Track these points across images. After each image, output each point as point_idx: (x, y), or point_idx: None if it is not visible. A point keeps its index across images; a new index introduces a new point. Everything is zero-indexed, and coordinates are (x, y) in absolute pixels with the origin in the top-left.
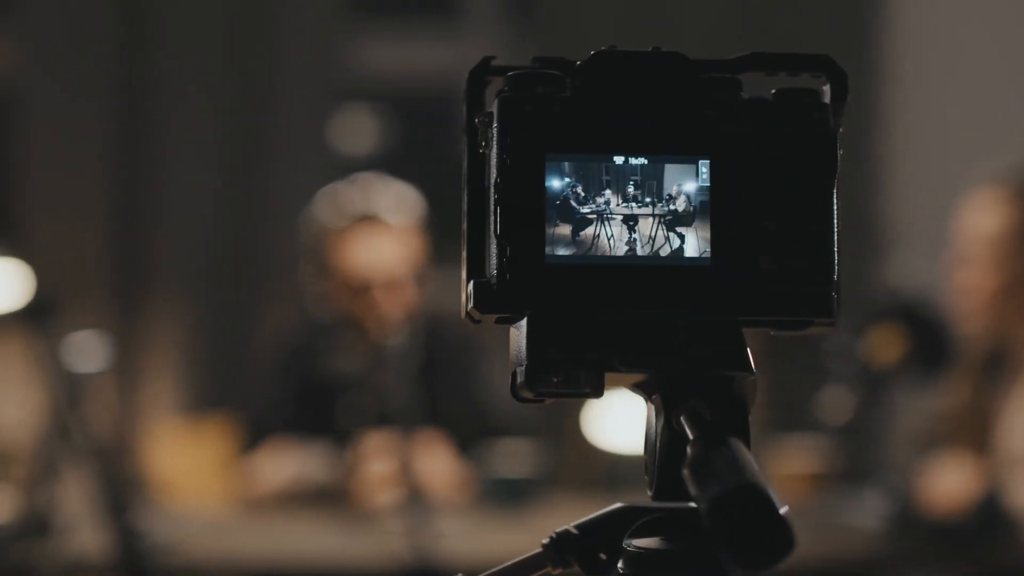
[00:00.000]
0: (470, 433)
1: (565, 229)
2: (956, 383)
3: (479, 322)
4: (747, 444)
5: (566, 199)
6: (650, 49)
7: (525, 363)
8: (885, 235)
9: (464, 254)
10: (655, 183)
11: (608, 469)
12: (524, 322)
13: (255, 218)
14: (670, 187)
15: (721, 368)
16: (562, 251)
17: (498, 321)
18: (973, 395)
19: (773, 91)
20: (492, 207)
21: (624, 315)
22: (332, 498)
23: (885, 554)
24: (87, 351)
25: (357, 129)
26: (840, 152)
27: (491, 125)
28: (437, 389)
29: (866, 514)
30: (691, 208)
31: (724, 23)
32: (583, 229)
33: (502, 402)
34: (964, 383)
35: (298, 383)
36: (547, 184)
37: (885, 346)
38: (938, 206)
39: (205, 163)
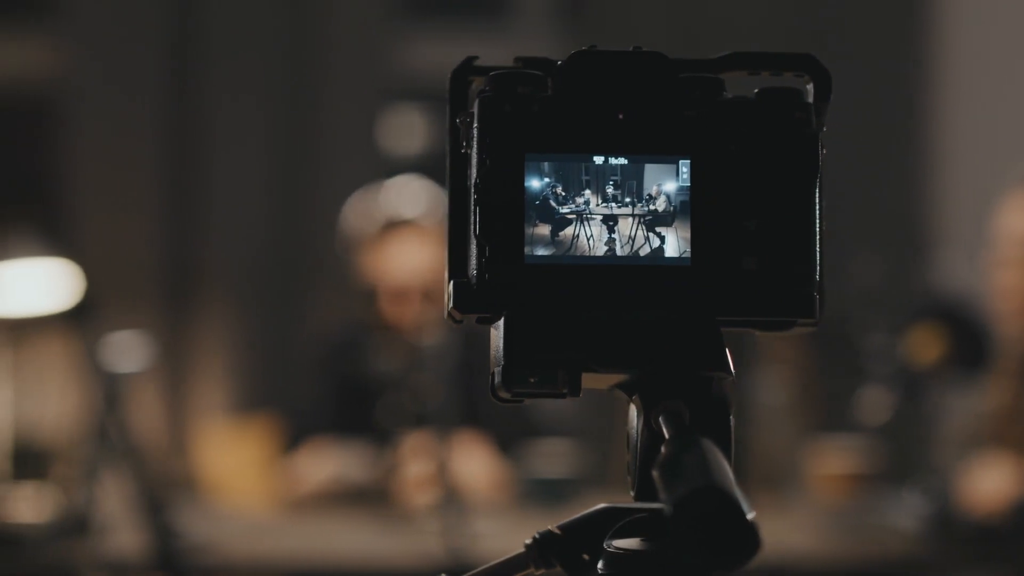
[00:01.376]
0: (510, 433)
1: (544, 229)
2: (996, 383)
3: (460, 322)
4: (728, 445)
5: (545, 199)
6: (631, 49)
7: (502, 363)
8: (926, 235)
9: (447, 254)
10: (635, 183)
11: None
12: (501, 322)
13: (303, 218)
14: (650, 187)
15: (700, 369)
16: (541, 251)
17: (478, 321)
18: (1013, 396)
19: (756, 91)
20: (472, 207)
21: (603, 315)
22: (371, 498)
23: (924, 555)
24: (127, 351)
25: (406, 128)
26: (823, 152)
27: (472, 125)
28: (475, 390)
29: (905, 515)
30: (671, 208)
31: (773, 19)
32: (562, 229)
33: (543, 402)
34: (1004, 384)
35: (338, 382)
36: (526, 184)
37: (925, 346)
38: (980, 206)
39: (254, 162)
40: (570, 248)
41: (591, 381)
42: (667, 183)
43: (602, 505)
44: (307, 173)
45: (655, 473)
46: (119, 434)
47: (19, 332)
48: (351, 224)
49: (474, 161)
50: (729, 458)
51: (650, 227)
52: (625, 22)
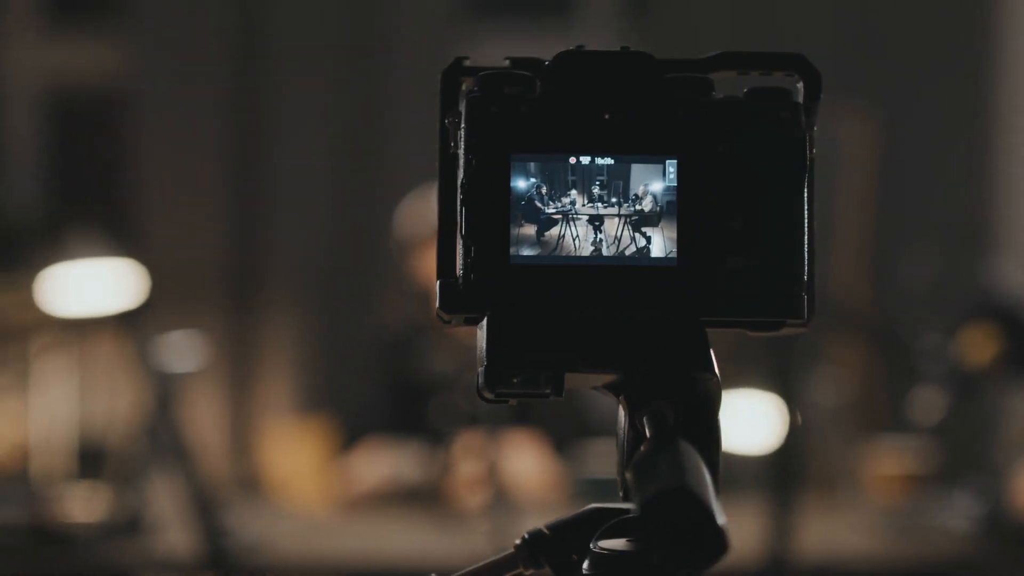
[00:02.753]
0: (564, 433)
1: (530, 229)
2: None
3: (449, 322)
4: (713, 445)
5: (531, 199)
6: (619, 49)
7: (484, 363)
8: (982, 235)
9: (437, 254)
10: (621, 183)
11: (729, 468)
12: (484, 322)
13: (367, 218)
14: (636, 187)
15: (683, 369)
16: (527, 251)
17: (466, 321)
18: None
19: (745, 90)
20: (459, 207)
21: (587, 315)
22: (425, 498)
23: (976, 556)
24: (182, 351)
25: None
26: (813, 151)
27: (460, 125)
28: None
29: (957, 515)
30: (658, 208)
31: (839, 17)
32: (548, 229)
33: (598, 402)
34: None
35: (394, 382)
36: (512, 184)
37: (979, 346)
38: None
39: (319, 162)
40: (556, 248)
41: (578, 381)
42: (654, 183)
43: (592, 505)
44: (371, 173)
45: (628, 473)
46: (171, 434)
47: (83, 331)
48: (404, 225)
49: (461, 162)
50: (714, 459)
51: (636, 227)
52: (690, 20)
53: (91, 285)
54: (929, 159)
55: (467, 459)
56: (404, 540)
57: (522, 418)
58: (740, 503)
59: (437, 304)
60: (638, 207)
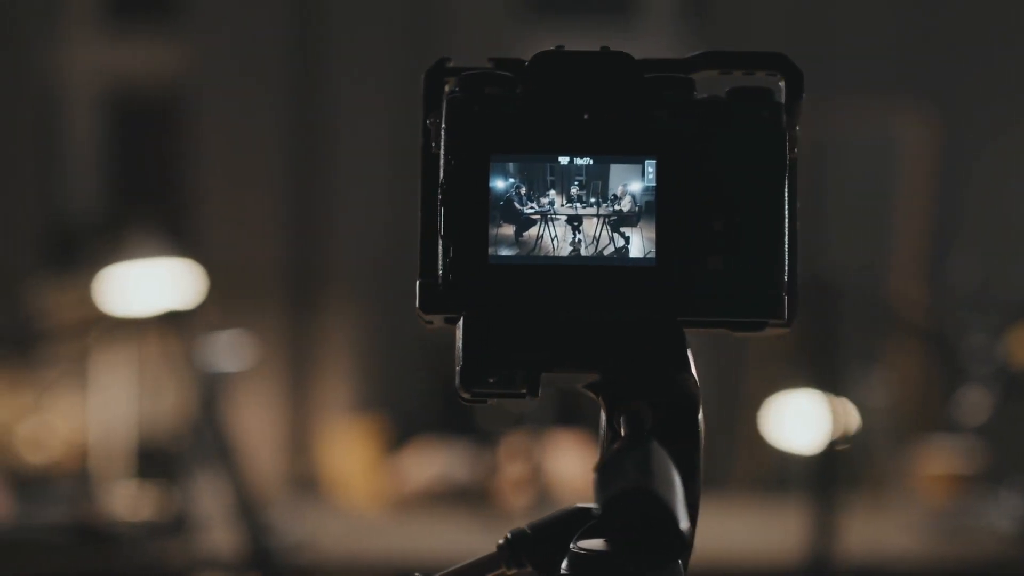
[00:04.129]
0: None
1: (508, 229)
2: None
3: (430, 323)
4: (693, 445)
5: (510, 199)
6: (598, 49)
7: (460, 363)
8: None
9: (420, 255)
10: (600, 183)
11: (780, 468)
12: (460, 322)
13: None
14: (615, 187)
15: (659, 369)
16: (505, 251)
17: (446, 321)
18: None
19: (727, 90)
20: (438, 207)
21: (564, 315)
22: (473, 498)
23: (1021, 556)
24: (229, 350)
25: None
26: (795, 151)
27: (441, 126)
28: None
29: (1003, 515)
30: (636, 208)
31: (898, 16)
32: (527, 229)
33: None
34: None
35: (443, 383)
36: (491, 184)
37: None
38: None
39: (377, 162)
40: (534, 248)
41: (559, 381)
42: (633, 183)
43: (575, 504)
44: None
45: (594, 472)
46: (214, 433)
47: (141, 330)
48: None
49: (441, 162)
50: (694, 460)
51: (615, 227)
52: (748, 19)
53: (149, 284)
54: (985, 161)
55: (513, 459)
56: (451, 539)
57: (567, 419)
58: (788, 502)
59: (416, 305)
60: (617, 207)
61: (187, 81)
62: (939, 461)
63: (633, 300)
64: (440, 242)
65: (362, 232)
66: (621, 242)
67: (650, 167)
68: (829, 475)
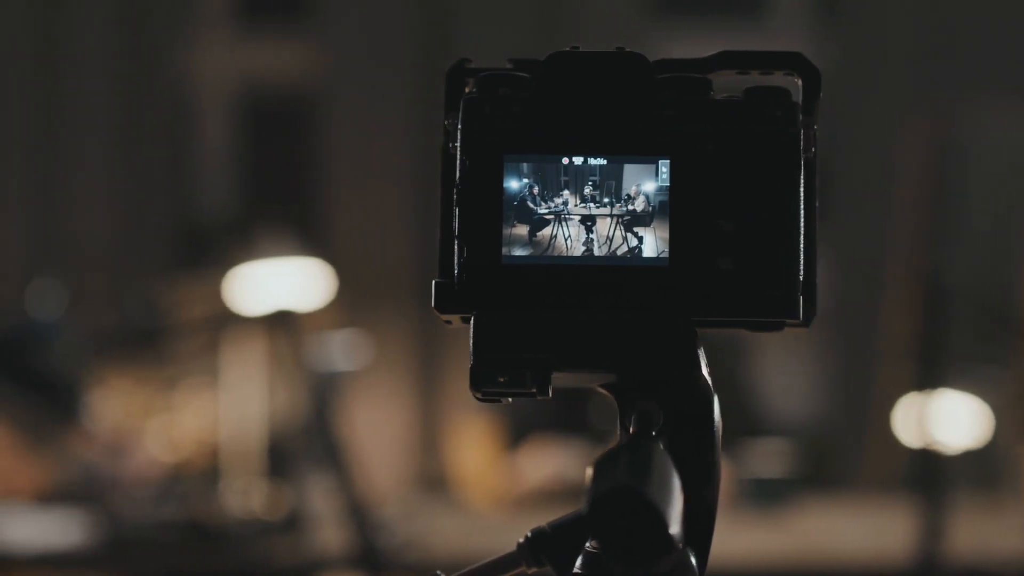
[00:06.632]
0: (729, 432)
1: (522, 230)
2: None
3: (449, 323)
4: (708, 443)
5: (523, 200)
6: (613, 49)
7: (471, 363)
8: None
9: (439, 255)
10: (614, 183)
11: (909, 467)
12: (472, 321)
13: None
14: (629, 187)
15: (669, 369)
16: (519, 252)
17: (463, 321)
18: None
19: (744, 90)
20: (454, 208)
21: (576, 315)
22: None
23: None
24: (344, 350)
25: None
26: (813, 149)
27: (457, 126)
28: None
29: None
30: (650, 208)
31: None
32: (540, 230)
33: (764, 402)
34: None
35: None
36: (505, 185)
37: None
38: None
39: None
40: (548, 248)
41: (572, 380)
42: (646, 183)
43: None
44: None
45: (587, 470)
46: (325, 432)
47: (271, 329)
48: None
49: (457, 162)
50: (709, 458)
51: (628, 227)
52: (881, 19)
53: (278, 283)
54: None
55: None
56: None
57: None
58: (896, 501)
59: (432, 304)
60: (630, 207)
61: (317, 81)
62: None
63: (646, 300)
64: (456, 242)
65: None
66: (634, 242)
67: (664, 167)
68: (942, 475)
